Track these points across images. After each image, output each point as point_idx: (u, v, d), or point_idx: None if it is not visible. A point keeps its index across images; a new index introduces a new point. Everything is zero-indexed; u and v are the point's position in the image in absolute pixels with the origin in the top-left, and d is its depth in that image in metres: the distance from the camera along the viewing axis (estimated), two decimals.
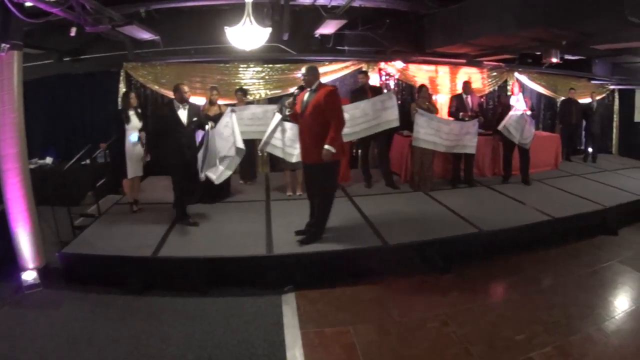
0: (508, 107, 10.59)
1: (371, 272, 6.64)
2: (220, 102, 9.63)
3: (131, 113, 8.09)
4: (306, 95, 6.60)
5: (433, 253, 6.94)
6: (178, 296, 6.06)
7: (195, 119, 7.57)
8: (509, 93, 11.45)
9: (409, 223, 7.71)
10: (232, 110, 8.15)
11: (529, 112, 10.51)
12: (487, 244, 7.37)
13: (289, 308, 5.76)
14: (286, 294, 6.13)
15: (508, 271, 6.97)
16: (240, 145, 8.05)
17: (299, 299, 5.99)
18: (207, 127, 7.57)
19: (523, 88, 13.69)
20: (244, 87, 10.14)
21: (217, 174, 7.91)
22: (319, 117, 6.43)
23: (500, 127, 10.42)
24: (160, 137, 7.51)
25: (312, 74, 6.62)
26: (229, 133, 7.92)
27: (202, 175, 7.71)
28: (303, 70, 6.70)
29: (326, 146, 6.31)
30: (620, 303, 6.03)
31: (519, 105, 10.51)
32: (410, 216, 8.08)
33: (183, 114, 7.43)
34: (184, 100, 7.41)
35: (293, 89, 6.69)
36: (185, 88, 7.48)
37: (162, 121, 7.64)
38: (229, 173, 8.08)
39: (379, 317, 5.58)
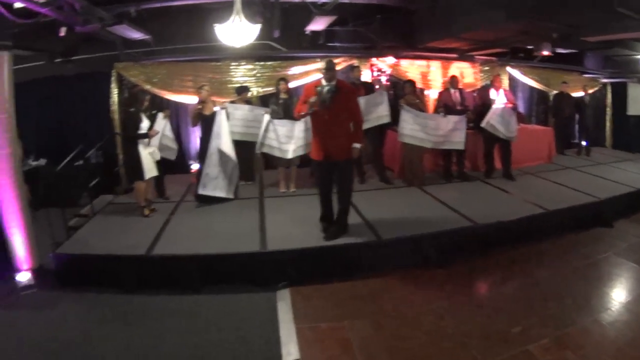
0: (489, 103, 10.46)
1: (365, 267, 6.60)
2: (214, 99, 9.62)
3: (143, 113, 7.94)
4: (325, 91, 6.43)
5: (428, 247, 6.90)
6: (172, 294, 6.03)
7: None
8: (490, 88, 11.18)
9: (403, 217, 7.67)
10: (222, 107, 8.18)
11: (510, 106, 10.39)
12: (482, 238, 7.33)
13: (284, 304, 5.73)
14: (280, 290, 6.10)
15: (503, 264, 6.95)
16: (224, 148, 8.19)
17: (294, 295, 5.97)
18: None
19: (515, 82, 13.74)
20: (243, 85, 10.04)
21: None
22: (344, 114, 6.55)
23: (483, 124, 10.30)
24: None
25: (334, 69, 6.62)
26: (219, 133, 8.06)
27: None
28: (324, 64, 6.58)
29: (356, 145, 6.65)
30: (616, 295, 6.02)
31: (499, 99, 10.40)
32: (404, 211, 8.06)
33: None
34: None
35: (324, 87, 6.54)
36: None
37: None
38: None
39: (373, 311, 5.56)
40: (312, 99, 6.40)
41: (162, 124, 8.43)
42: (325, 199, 7.05)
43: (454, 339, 4.93)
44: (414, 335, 5.03)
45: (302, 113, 6.63)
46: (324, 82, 6.50)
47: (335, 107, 6.38)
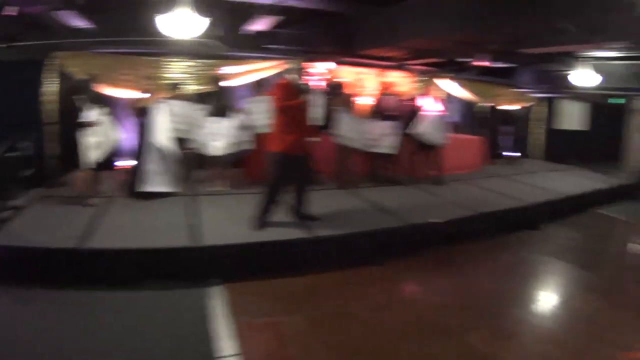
0: (421, 110, 10.59)
1: (301, 264, 6.61)
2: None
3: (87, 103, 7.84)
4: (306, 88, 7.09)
5: (361, 245, 6.99)
6: (105, 290, 5.84)
7: None
8: (424, 96, 11.26)
9: (336, 217, 7.74)
10: (160, 102, 8.16)
11: (441, 114, 10.60)
12: (414, 237, 7.48)
13: (218, 300, 5.68)
14: (215, 286, 6.03)
15: (436, 262, 7.15)
16: (163, 142, 8.27)
17: (229, 291, 5.90)
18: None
19: (450, 93, 13.99)
20: (176, 82, 9.94)
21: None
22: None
23: (414, 131, 10.46)
24: None
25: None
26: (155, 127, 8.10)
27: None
28: (297, 65, 7.33)
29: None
30: (545, 288, 6.50)
31: (431, 107, 10.55)
32: (336, 211, 8.11)
33: None
34: None
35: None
36: None
37: None
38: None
39: (310, 307, 5.60)
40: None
41: (105, 120, 8.17)
42: (280, 193, 7.19)
43: (392, 333, 4.99)
44: (351, 330, 5.06)
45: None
46: (295, 80, 7.01)
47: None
